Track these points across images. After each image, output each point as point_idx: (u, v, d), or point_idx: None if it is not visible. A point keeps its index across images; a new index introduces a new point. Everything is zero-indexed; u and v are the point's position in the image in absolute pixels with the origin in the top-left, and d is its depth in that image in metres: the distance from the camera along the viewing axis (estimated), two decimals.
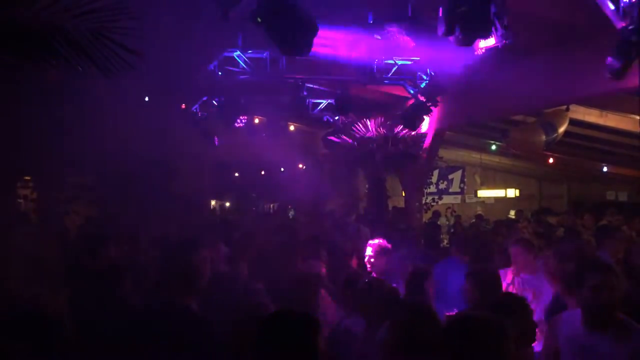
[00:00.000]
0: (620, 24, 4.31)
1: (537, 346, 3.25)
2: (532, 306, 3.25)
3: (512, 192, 16.66)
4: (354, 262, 5.81)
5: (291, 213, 15.29)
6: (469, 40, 4.02)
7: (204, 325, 2.73)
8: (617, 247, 5.40)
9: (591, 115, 9.52)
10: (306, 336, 1.95)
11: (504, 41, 3.96)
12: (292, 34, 3.86)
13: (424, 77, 8.47)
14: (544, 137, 9.24)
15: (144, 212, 10.11)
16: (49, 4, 2.52)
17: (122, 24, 2.65)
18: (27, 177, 12.83)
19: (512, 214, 14.63)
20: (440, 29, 4.01)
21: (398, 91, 9.20)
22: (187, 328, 2.64)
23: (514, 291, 4.35)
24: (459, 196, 17.75)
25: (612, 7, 4.41)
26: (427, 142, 10.08)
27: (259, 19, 3.85)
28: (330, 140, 10.97)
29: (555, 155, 13.36)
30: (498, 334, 1.91)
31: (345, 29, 7.19)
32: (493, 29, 3.89)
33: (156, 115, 12.52)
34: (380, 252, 5.10)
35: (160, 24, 7.78)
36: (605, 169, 13.65)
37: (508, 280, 4.57)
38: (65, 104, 9.98)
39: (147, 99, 12.18)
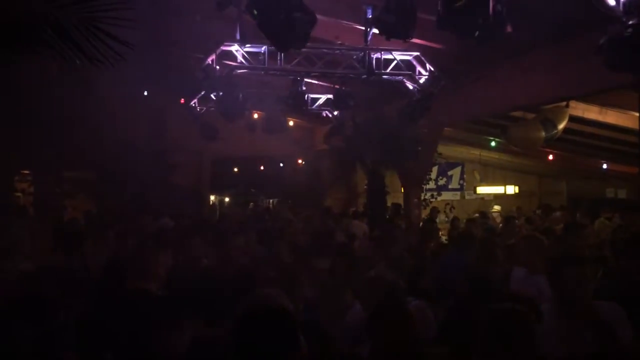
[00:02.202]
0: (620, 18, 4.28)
1: None
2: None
3: (511, 189, 16.56)
4: None
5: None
6: (466, 34, 3.98)
7: (161, 303, 3.07)
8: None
9: (591, 112, 9.47)
10: (291, 332, 1.81)
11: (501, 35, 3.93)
12: (288, 26, 3.82)
13: (423, 72, 8.42)
14: (543, 134, 9.19)
15: (142, 207, 10.09)
16: None
17: (114, 14, 2.60)
18: (25, 171, 12.80)
19: (496, 208, 14.36)
20: (438, 23, 3.97)
21: None
22: (143, 306, 3.01)
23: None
24: (459, 193, 17.65)
25: (612, 2, 4.38)
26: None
27: (255, 12, 3.81)
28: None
29: (555, 152, 13.31)
30: None
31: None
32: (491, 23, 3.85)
33: (155, 110, 12.50)
34: None
35: (158, 18, 7.77)
36: (604, 166, 13.59)
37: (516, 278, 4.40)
38: (65, 98, 9.97)
39: (145, 93, 12.16)
